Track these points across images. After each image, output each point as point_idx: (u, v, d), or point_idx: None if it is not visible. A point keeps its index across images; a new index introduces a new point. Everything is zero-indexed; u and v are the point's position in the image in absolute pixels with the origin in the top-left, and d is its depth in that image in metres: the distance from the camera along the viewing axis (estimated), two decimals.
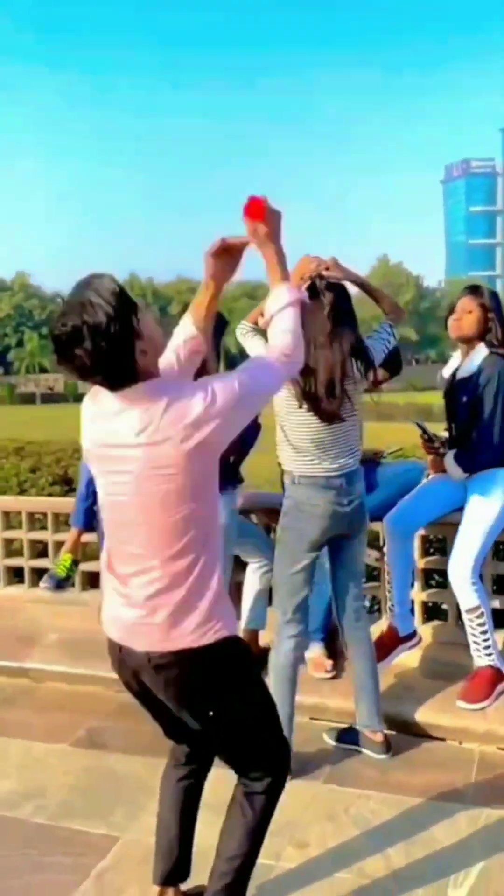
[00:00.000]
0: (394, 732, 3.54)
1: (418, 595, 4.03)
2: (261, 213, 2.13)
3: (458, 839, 2.87)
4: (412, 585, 3.96)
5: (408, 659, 3.93)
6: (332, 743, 3.51)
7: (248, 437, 3.67)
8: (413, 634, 3.82)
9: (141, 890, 2.62)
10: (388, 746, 3.41)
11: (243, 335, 3.27)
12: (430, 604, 4.12)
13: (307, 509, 3.22)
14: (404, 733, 3.59)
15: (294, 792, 2.73)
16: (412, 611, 3.90)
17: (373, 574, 4.16)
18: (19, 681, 4.33)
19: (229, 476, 3.57)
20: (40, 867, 2.81)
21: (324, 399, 3.09)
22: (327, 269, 3.13)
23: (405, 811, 3.05)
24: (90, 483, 4.17)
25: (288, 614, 3.29)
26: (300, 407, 3.12)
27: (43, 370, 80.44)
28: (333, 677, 3.90)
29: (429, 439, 3.88)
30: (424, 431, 3.88)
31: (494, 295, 3.68)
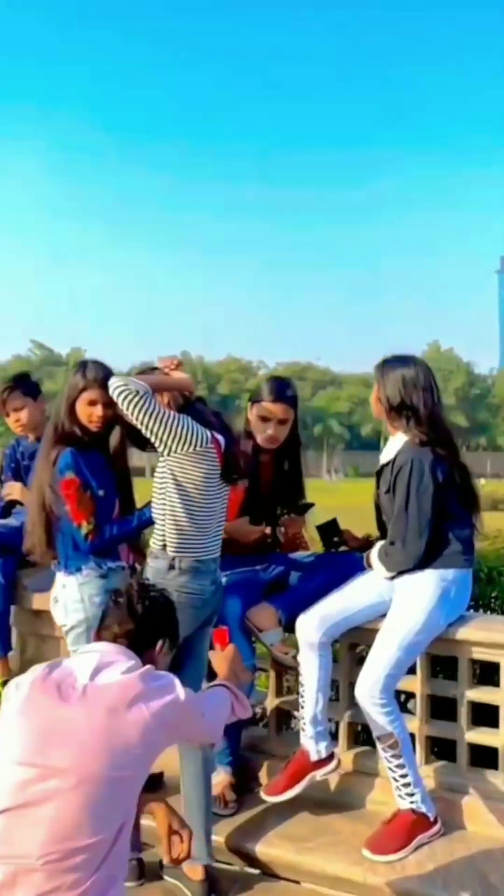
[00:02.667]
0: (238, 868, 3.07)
1: (342, 714, 3.42)
2: (224, 640, 2.70)
3: None
4: (332, 700, 3.38)
5: (320, 791, 3.31)
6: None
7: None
8: (329, 758, 3.21)
9: None
10: (211, 887, 2.91)
11: (145, 401, 2.87)
12: (360, 726, 3.50)
13: (185, 600, 2.92)
14: (308, 883, 2.99)
15: None
16: (331, 732, 3.30)
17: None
18: None
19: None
20: None
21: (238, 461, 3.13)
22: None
23: None
24: None
25: None
26: (224, 480, 3.06)
27: None
28: (234, 813, 3.31)
29: (334, 542, 3.49)
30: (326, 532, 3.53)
31: (392, 366, 3.18)
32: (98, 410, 3.19)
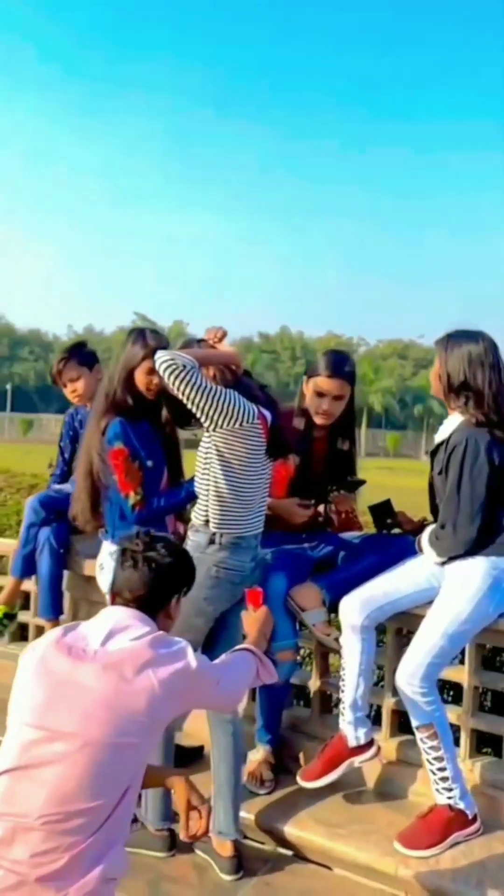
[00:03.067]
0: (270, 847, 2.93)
1: (387, 701, 3.31)
2: (257, 602, 2.64)
3: None
4: (376, 685, 3.28)
5: (359, 778, 3.24)
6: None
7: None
8: (368, 745, 3.12)
9: None
10: (239, 865, 2.90)
11: (191, 375, 2.77)
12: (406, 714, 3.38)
13: (223, 575, 2.93)
14: (339, 869, 2.93)
15: None
16: (370, 716, 3.20)
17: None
18: None
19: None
20: None
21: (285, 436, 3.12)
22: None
23: None
24: (31, 527, 3.79)
25: None
26: (270, 455, 3.02)
27: None
28: (269, 793, 3.27)
29: (387, 524, 3.37)
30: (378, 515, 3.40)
31: (458, 341, 2.99)
32: (157, 379, 3.15)
